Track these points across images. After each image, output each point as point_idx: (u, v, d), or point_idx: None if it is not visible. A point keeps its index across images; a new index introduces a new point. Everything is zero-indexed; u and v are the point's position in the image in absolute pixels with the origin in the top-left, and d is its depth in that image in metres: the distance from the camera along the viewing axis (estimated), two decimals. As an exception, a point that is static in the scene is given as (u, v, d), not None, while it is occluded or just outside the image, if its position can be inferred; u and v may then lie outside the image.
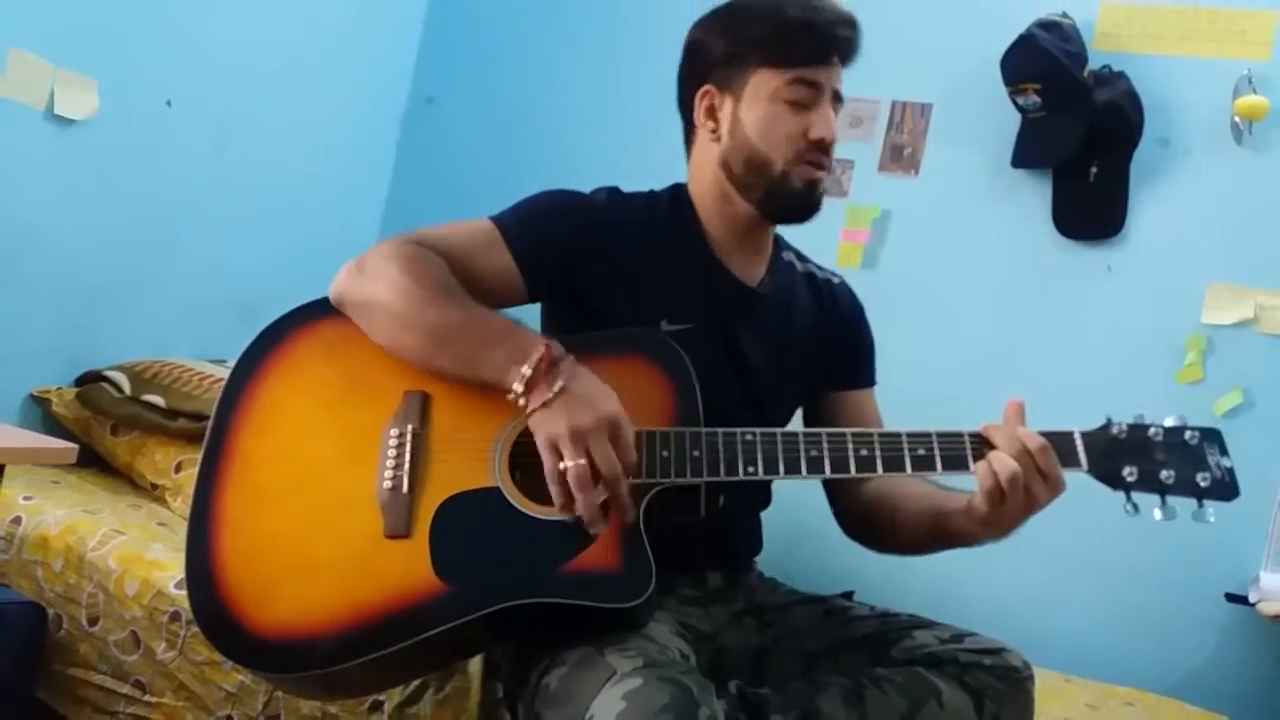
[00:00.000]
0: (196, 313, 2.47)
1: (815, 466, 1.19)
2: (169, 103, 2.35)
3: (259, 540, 1.16)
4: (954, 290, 2.39)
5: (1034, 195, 2.36)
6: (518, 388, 1.14)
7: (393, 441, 1.19)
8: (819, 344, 1.46)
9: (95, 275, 2.27)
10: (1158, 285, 2.24)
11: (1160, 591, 2.11)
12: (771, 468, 1.18)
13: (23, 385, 2.22)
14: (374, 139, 2.94)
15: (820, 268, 1.54)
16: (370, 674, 1.16)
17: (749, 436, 1.19)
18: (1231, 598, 2.00)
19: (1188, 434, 1.17)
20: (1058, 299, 2.32)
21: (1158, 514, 1.16)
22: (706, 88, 1.38)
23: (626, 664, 1.06)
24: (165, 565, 1.73)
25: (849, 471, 1.19)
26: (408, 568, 1.12)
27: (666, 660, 1.09)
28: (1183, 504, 1.16)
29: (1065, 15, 2.29)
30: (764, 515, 1.47)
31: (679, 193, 1.43)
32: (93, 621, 1.74)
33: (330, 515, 1.17)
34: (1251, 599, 1.94)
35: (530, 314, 1.35)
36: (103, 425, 2.19)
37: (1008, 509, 1.16)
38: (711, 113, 1.38)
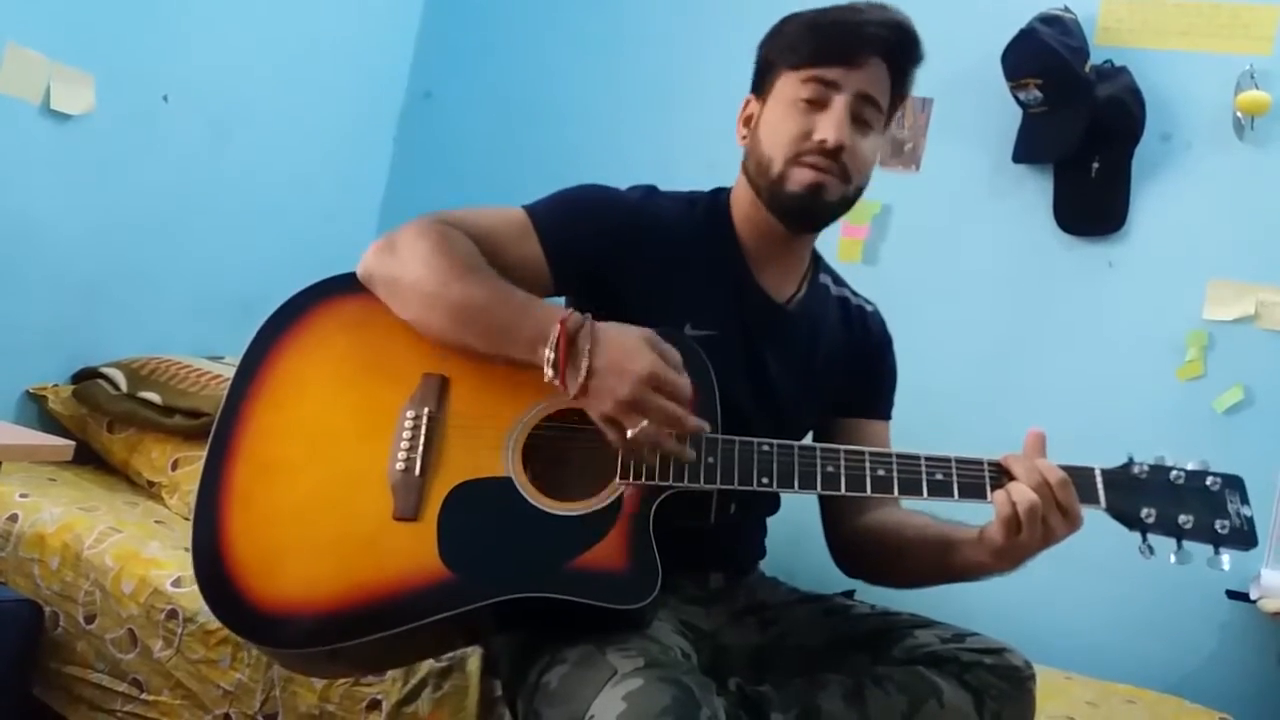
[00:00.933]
0: (193, 309, 2.46)
1: (830, 483, 1.18)
2: (166, 98, 2.34)
3: (267, 513, 1.16)
4: (954, 286, 2.38)
5: (1035, 191, 2.35)
6: (549, 372, 1.13)
7: (408, 423, 1.19)
8: (842, 369, 1.44)
9: (92, 271, 2.26)
10: (1159, 281, 2.23)
11: (1161, 589, 2.10)
12: (786, 481, 1.18)
13: (19, 382, 2.21)
14: (371, 134, 2.93)
15: (855, 293, 1.51)
16: (370, 653, 1.16)
17: (765, 447, 1.18)
18: (1232, 595, 1.99)
19: (1209, 480, 1.17)
20: (1058, 295, 2.31)
21: (1173, 559, 1.15)
22: (748, 97, 1.38)
23: (628, 664, 1.05)
24: (162, 563, 1.73)
25: (864, 490, 1.17)
26: (414, 551, 1.12)
27: (668, 660, 1.09)
28: (1199, 549, 1.15)
29: (1067, 9, 2.28)
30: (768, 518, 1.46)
31: (719, 198, 1.41)
32: (90, 619, 1.74)
33: (340, 493, 1.17)
34: (1252, 596, 1.94)
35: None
36: (99, 422, 2.18)
37: (1023, 540, 1.15)
38: (749, 120, 1.37)
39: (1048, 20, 2.26)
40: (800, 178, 1.29)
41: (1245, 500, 1.16)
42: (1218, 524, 1.15)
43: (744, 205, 1.37)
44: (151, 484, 2.11)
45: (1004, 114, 2.34)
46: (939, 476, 1.17)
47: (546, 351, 1.13)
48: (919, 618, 1.31)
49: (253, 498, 1.17)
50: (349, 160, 2.85)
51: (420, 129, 2.96)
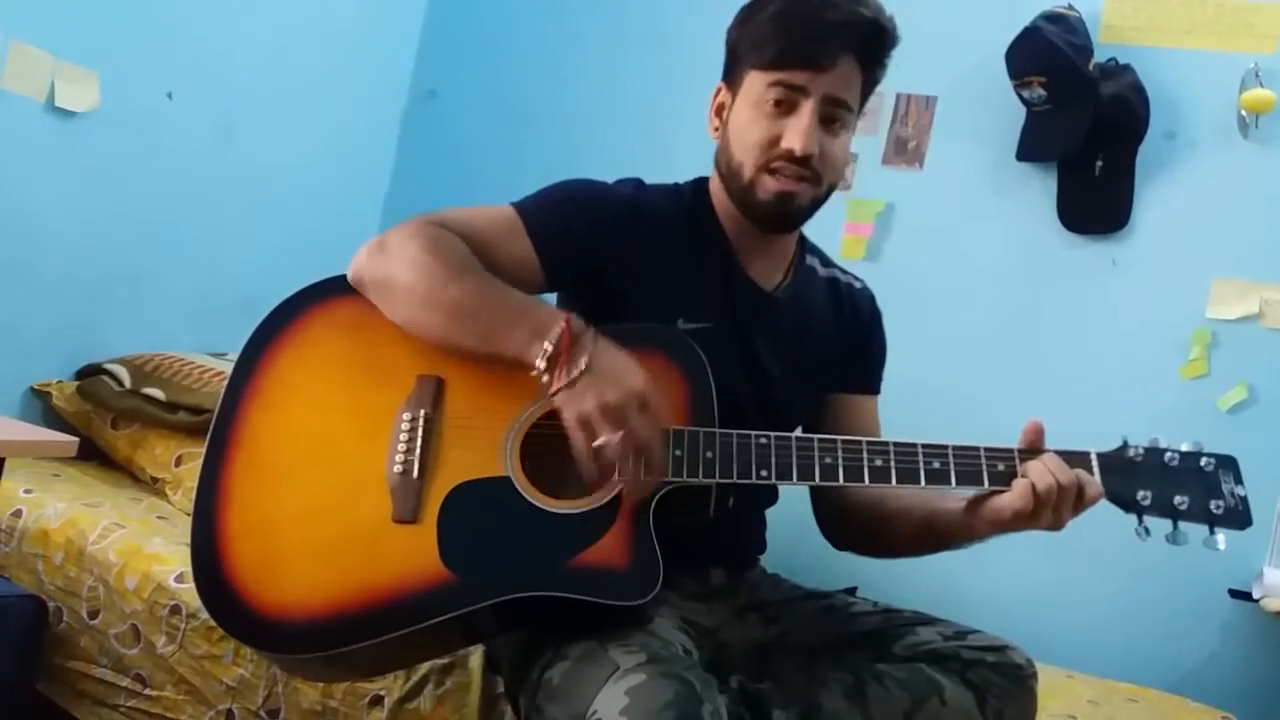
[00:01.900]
0: (197, 306, 2.47)
1: (829, 474, 1.18)
2: (170, 95, 2.34)
3: (265, 518, 1.15)
4: (958, 284, 2.38)
5: (1039, 189, 2.35)
6: (540, 364, 1.12)
7: (405, 425, 1.19)
8: (833, 350, 1.44)
9: (96, 268, 2.26)
10: (1163, 279, 2.23)
11: (1163, 587, 2.10)
12: (784, 473, 1.18)
13: (23, 379, 2.21)
14: (375, 132, 2.93)
15: (844, 271, 1.50)
16: (372, 656, 1.15)
17: (763, 440, 1.18)
18: (1235, 594, 1.99)
19: (1204, 460, 1.18)
20: (1062, 293, 2.31)
21: (1168, 539, 1.16)
22: (719, 84, 1.36)
23: (630, 660, 1.05)
24: (165, 559, 1.73)
25: (862, 481, 1.18)
26: (414, 553, 1.12)
27: (670, 656, 1.09)
28: (1194, 529, 1.16)
29: (1071, 7, 2.28)
30: (767, 511, 1.46)
31: (701, 187, 1.40)
32: (93, 615, 1.74)
33: (338, 496, 1.16)
34: (1255, 595, 1.94)
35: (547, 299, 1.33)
36: (103, 418, 2.19)
37: (1030, 521, 1.16)
38: (720, 110, 1.35)
39: (1052, 18, 2.25)
40: (770, 186, 1.28)
41: (1239, 480, 1.17)
42: (1213, 504, 1.15)
43: (722, 199, 1.36)
44: (155, 480, 2.11)
45: (1008, 112, 2.34)
46: (936, 465, 1.18)
47: (545, 345, 1.12)
48: (921, 615, 1.31)
49: (250, 503, 1.16)
50: (353, 158, 2.85)
51: (424, 128, 2.96)
